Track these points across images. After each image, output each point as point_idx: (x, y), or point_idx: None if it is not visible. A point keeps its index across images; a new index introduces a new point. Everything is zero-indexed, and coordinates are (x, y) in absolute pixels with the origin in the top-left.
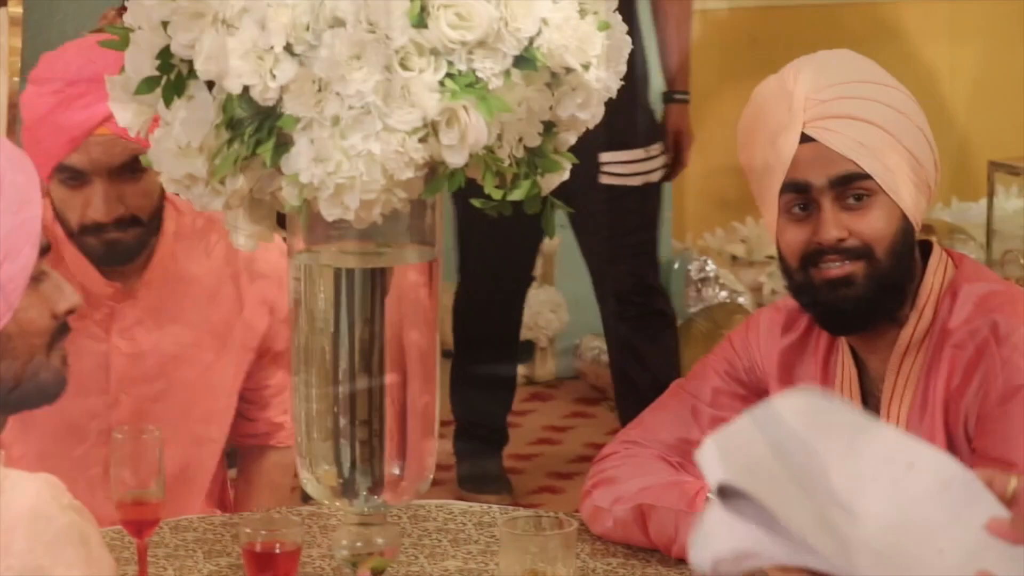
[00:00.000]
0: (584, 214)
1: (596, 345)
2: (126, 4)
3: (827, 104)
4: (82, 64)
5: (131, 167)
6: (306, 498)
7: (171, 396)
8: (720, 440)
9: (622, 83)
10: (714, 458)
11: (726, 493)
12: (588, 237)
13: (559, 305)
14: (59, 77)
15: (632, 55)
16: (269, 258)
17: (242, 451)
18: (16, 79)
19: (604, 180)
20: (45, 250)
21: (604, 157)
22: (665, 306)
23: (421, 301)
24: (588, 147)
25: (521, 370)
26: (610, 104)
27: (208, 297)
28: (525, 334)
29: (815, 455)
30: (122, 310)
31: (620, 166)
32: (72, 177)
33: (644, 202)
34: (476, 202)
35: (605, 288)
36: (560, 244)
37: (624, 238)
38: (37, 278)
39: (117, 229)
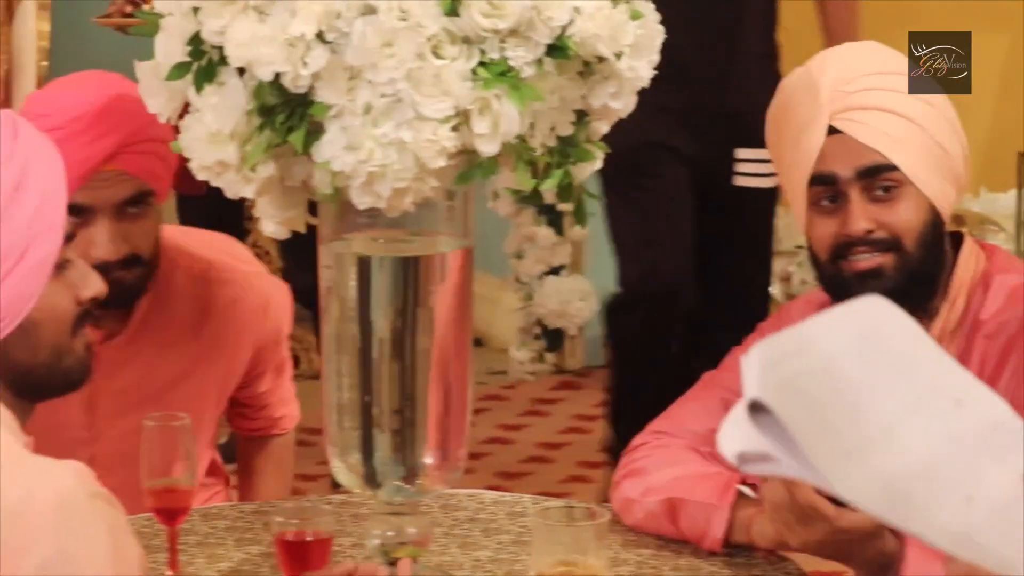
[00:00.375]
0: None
1: None
2: None
3: (854, 95)
4: (76, 100)
5: (135, 202)
6: (336, 486)
7: None
8: (767, 348)
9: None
10: (755, 368)
11: (757, 408)
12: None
13: (589, 294)
14: (54, 116)
15: None
16: (254, 294)
17: (242, 440)
18: (45, 63)
19: (738, 182)
20: (70, 237)
21: (741, 154)
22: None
23: (454, 290)
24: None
25: (550, 359)
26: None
27: (193, 334)
28: (554, 322)
29: (865, 375)
30: (105, 350)
31: (755, 165)
32: (76, 215)
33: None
34: (508, 191)
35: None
36: (589, 233)
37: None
38: (62, 265)
39: (121, 268)
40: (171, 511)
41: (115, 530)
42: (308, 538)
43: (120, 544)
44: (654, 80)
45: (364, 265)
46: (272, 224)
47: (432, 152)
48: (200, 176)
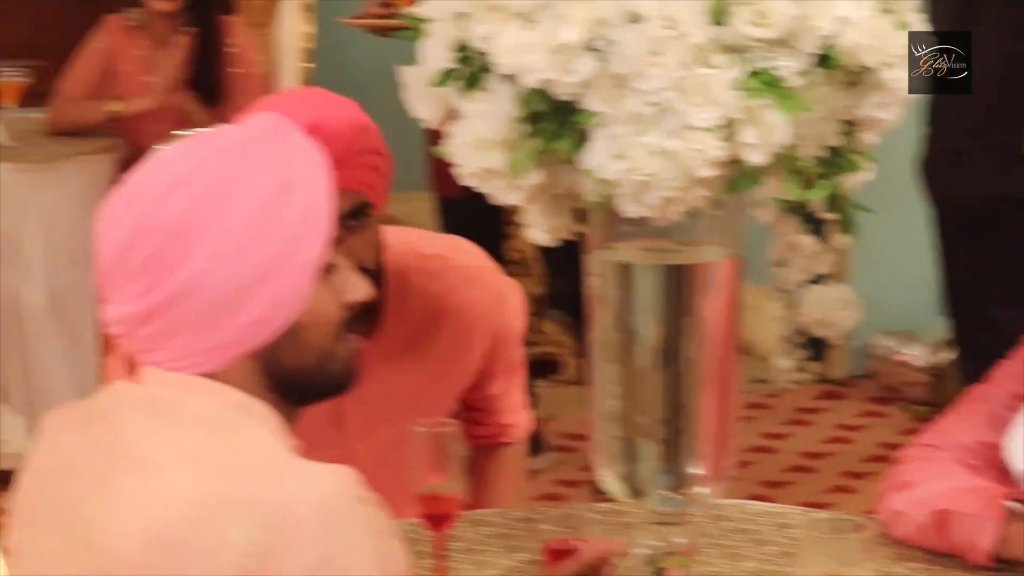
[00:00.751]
0: None
1: (888, 344)
2: None
3: None
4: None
5: (354, 215)
6: (598, 493)
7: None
8: None
9: None
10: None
11: None
12: None
13: (852, 303)
14: None
15: None
16: (487, 288)
17: (473, 450)
18: (308, 65)
19: None
20: (336, 241)
21: None
22: None
23: (723, 299)
24: None
25: (813, 368)
26: None
27: (432, 333)
28: (818, 332)
29: None
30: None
31: None
32: None
33: None
34: (774, 201)
35: None
36: (854, 241)
37: None
38: (328, 269)
39: None
40: (438, 517)
41: (380, 534)
42: (575, 546)
43: (385, 549)
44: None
45: (631, 273)
46: (538, 231)
47: (699, 161)
48: (467, 182)
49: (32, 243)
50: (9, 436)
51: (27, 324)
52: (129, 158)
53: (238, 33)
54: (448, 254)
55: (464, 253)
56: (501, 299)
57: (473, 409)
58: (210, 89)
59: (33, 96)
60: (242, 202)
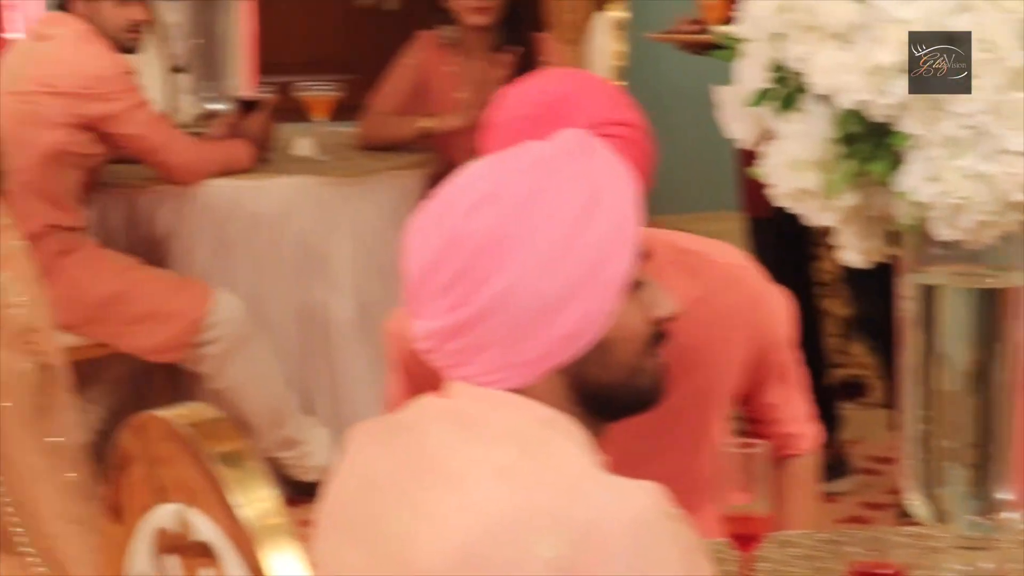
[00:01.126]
0: None
1: None
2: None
3: None
4: (541, 88)
5: None
6: (904, 516)
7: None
8: None
9: None
10: None
11: None
12: None
13: None
14: (515, 106)
15: None
16: (745, 286)
17: None
18: (621, 83)
19: None
20: (644, 257)
21: None
22: None
23: None
24: None
25: None
26: None
27: (694, 332)
28: None
29: None
30: None
31: None
32: None
33: None
34: None
35: None
36: None
37: None
38: (636, 285)
39: None
40: (745, 537)
41: (689, 552)
42: (883, 569)
43: (694, 566)
44: None
45: (943, 297)
46: (851, 253)
47: (1015, 185)
48: (780, 203)
49: (341, 257)
50: (315, 448)
51: (334, 337)
52: (440, 173)
53: (550, 50)
54: (707, 251)
55: (725, 252)
56: (759, 301)
57: (754, 420)
58: None
59: (344, 110)
60: (551, 217)
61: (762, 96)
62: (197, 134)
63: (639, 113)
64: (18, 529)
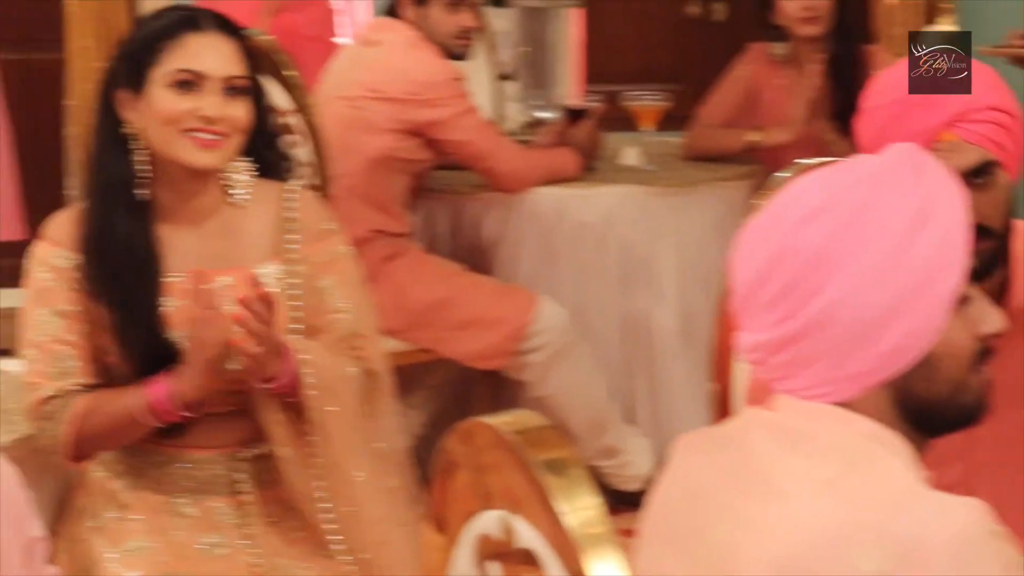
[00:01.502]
0: None
1: None
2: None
3: None
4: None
5: (978, 173)
6: None
7: None
8: None
9: None
10: None
11: None
12: None
13: None
14: (890, 91)
15: None
16: None
17: None
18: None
19: None
20: (973, 274)
21: None
22: None
23: None
24: None
25: None
26: None
27: None
28: None
29: None
30: None
31: None
32: None
33: None
34: None
35: None
36: None
37: None
38: (963, 300)
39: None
40: None
41: (1012, 569)
42: None
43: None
44: None
45: None
46: None
47: None
48: None
49: (665, 266)
50: (635, 458)
51: (657, 347)
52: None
53: (879, 62)
54: None
55: None
56: None
57: None
58: (850, 118)
59: (672, 120)
60: (880, 232)
61: None
62: (524, 142)
63: (1016, 101)
64: (338, 537)
